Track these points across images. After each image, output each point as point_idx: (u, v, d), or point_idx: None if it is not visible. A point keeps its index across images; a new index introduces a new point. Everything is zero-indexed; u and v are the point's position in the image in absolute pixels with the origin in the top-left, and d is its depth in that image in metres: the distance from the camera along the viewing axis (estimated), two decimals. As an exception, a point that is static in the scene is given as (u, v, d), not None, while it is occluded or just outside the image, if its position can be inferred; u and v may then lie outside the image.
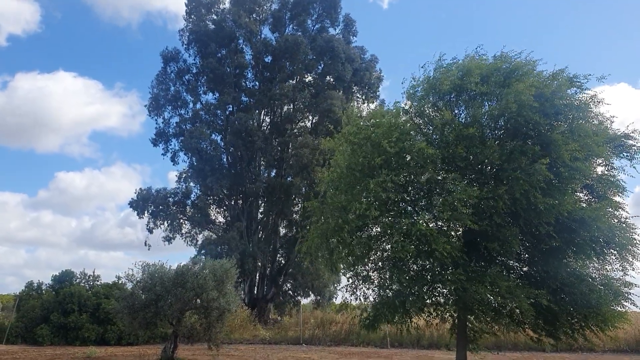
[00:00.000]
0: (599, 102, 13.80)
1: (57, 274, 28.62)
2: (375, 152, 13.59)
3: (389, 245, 14.07)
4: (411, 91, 14.94)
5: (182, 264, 17.56)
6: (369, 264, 15.17)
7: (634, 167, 14.07)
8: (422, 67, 15.06)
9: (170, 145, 40.88)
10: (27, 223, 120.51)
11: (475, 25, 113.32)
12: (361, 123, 15.01)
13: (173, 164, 41.26)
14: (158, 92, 40.68)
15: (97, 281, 28.74)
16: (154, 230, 37.86)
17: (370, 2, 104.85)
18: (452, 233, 13.69)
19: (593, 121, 13.75)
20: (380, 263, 14.90)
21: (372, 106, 40.76)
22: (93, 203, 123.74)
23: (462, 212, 12.19)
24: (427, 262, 13.67)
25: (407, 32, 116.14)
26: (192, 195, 39.63)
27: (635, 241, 13.19)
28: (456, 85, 13.83)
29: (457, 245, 12.67)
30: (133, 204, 37.82)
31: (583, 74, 13.96)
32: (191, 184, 39.52)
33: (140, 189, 38.68)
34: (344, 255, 14.50)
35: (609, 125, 14.13)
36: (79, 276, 28.56)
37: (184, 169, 40.10)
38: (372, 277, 15.16)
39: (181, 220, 38.63)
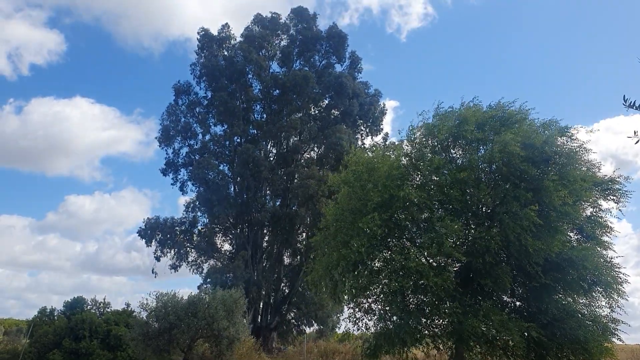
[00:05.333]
0: (587, 150, 14.87)
1: (69, 300, 29.57)
2: (368, 197, 14.72)
3: (387, 280, 15.05)
4: (411, 137, 16.05)
5: (193, 294, 18.49)
6: (371, 297, 16.10)
7: (620, 210, 15.11)
8: (419, 115, 16.18)
9: (179, 175, 42.01)
10: (32, 247, 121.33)
11: (486, 63, 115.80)
12: (359, 168, 16.02)
13: (182, 194, 42.31)
14: (169, 123, 41.96)
15: (108, 308, 29.62)
16: (161, 258, 38.76)
17: (388, 34, 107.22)
18: (449, 269, 14.62)
19: (582, 167, 14.76)
20: (381, 296, 15.80)
21: (377, 139, 42.03)
22: (101, 227, 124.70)
23: (447, 247, 13.22)
24: (425, 296, 14.65)
25: (423, 65, 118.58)
26: (199, 224, 40.58)
27: (620, 279, 14.13)
28: (453, 132, 14.92)
29: (448, 279, 13.54)
30: (141, 232, 38.76)
31: (573, 126, 15.10)
32: (198, 213, 40.48)
33: (149, 218, 39.66)
34: (347, 287, 15.43)
35: (597, 171, 15.20)
36: (90, 303, 29.46)
37: (191, 199, 41.14)
38: (373, 309, 16.12)
39: (188, 249, 39.48)
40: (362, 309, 16.06)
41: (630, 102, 4.27)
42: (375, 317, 15.97)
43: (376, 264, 15.49)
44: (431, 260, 14.44)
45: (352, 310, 16.68)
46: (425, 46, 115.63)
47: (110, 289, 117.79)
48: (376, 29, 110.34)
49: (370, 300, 16.06)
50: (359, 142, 41.65)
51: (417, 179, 15.71)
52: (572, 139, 14.97)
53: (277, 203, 42.30)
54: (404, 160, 16.06)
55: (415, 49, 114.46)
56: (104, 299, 29.90)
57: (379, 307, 15.87)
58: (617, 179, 15.10)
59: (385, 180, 14.82)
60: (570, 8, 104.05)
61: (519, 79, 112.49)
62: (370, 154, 18.46)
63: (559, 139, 14.89)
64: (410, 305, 14.89)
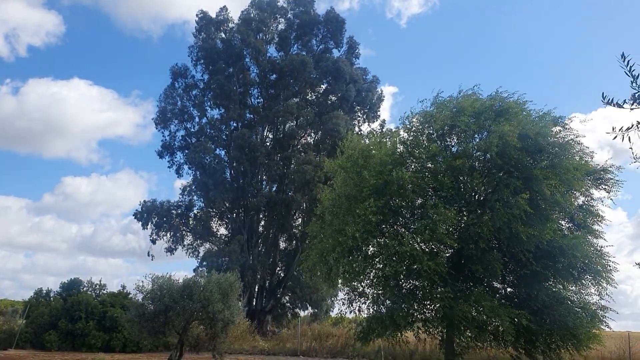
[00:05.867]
0: (580, 141, 15.03)
1: (65, 281, 29.80)
2: (363, 183, 14.88)
3: (381, 265, 15.28)
4: (407, 124, 16.18)
5: (189, 277, 18.66)
6: (365, 281, 16.34)
7: (611, 199, 15.32)
8: (420, 102, 16.32)
9: (175, 157, 42.08)
10: (28, 228, 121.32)
11: (488, 49, 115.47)
12: (355, 153, 16.15)
13: (178, 177, 42.45)
14: (165, 105, 41.96)
15: (104, 290, 29.85)
16: (156, 241, 39.02)
17: (388, 19, 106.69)
18: (440, 254, 14.84)
19: (574, 157, 14.92)
20: (375, 280, 16.04)
21: (374, 125, 42.14)
22: (98, 209, 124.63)
23: (440, 232, 13.44)
24: (418, 281, 14.89)
25: (423, 51, 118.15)
26: (195, 208, 40.83)
27: (609, 268, 14.37)
28: (449, 121, 15.04)
29: (441, 264, 13.75)
30: (137, 215, 38.96)
31: (567, 116, 15.27)
32: (194, 197, 40.69)
33: (145, 200, 39.87)
34: (342, 272, 15.64)
35: (589, 160, 15.36)
36: (86, 284, 29.67)
37: (188, 182, 41.32)
38: (367, 293, 16.38)
39: (184, 232, 39.74)
40: (356, 293, 16.31)
41: (609, 99, 4.39)
42: (369, 301, 16.22)
43: (370, 249, 15.70)
44: (424, 246, 14.64)
45: (346, 295, 16.95)
46: (425, 32, 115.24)
47: (106, 271, 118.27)
48: (376, 14, 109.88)
49: (364, 284, 16.30)
50: (356, 128, 41.76)
51: (412, 166, 15.86)
52: (566, 129, 15.12)
53: (274, 188, 42.49)
54: (400, 147, 16.20)
55: (415, 35, 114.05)
56: (100, 281, 30.15)
57: (373, 291, 16.12)
58: (610, 169, 15.29)
59: (379, 166, 14.98)
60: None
61: (520, 65, 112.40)
62: (366, 140, 18.65)
63: (553, 129, 15.04)
64: (403, 290, 15.14)
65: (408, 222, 15.72)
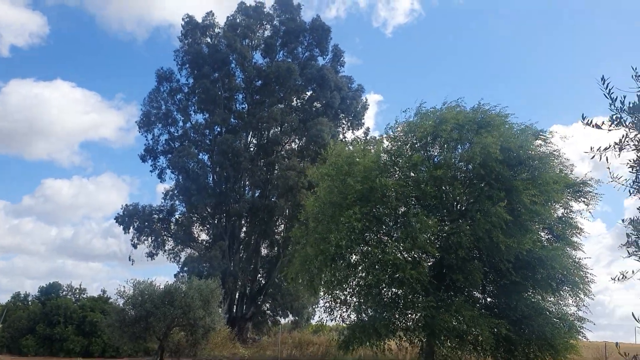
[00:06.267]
0: (560, 155, 15.35)
1: (44, 285, 29.43)
2: (348, 189, 14.98)
3: (364, 273, 15.38)
4: (392, 133, 16.35)
5: (170, 282, 18.62)
6: (348, 289, 16.41)
7: (590, 212, 15.63)
8: (403, 112, 16.50)
9: (158, 162, 41.76)
10: (6, 230, 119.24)
11: (473, 62, 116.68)
12: (340, 160, 16.26)
13: (160, 181, 42.14)
14: (149, 109, 41.71)
15: (84, 294, 29.54)
16: (138, 245, 38.66)
17: (374, 28, 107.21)
18: (422, 263, 14.99)
19: (554, 170, 15.19)
20: (357, 288, 16.11)
21: (358, 133, 42.33)
22: (79, 212, 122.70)
23: (421, 241, 13.59)
24: (400, 290, 15.00)
25: (408, 60, 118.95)
26: (177, 213, 40.56)
27: (587, 280, 14.63)
28: (431, 130, 15.24)
29: (423, 273, 13.89)
30: (119, 219, 38.59)
31: (548, 129, 15.59)
32: (176, 201, 40.43)
33: (127, 204, 39.47)
34: (325, 280, 15.70)
35: (569, 173, 15.67)
36: (65, 288, 29.34)
37: (170, 187, 41.04)
38: (349, 302, 16.44)
39: (165, 237, 39.44)
40: (339, 301, 16.37)
41: (588, 121, 4.54)
42: (351, 309, 16.28)
43: (353, 258, 15.79)
44: (406, 255, 14.77)
45: (328, 303, 17.00)
46: (410, 42, 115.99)
47: (85, 275, 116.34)
48: (362, 22, 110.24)
49: (346, 293, 16.36)
50: (341, 136, 41.86)
51: (396, 174, 16.01)
52: (547, 143, 15.41)
53: (257, 194, 42.39)
54: (384, 156, 16.35)
55: (401, 44, 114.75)
56: (80, 285, 29.88)
57: (355, 299, 16.19)
58: (589, 182, 15.58)
59: (364, 172, 15.10)
60: (557, 7, 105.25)
61: (503, 76, 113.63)
62: (351, 147, 18.78)
63: (534, 142, 15.32)
64: (385, 299, 15.23)
65: (391, 230, 15.86)
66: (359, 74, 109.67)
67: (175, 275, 37.03)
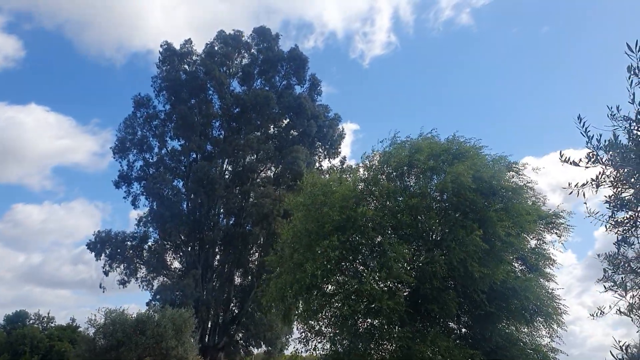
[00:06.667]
0: (532, 187, 15.68)
1: (10, 313, 28.61)
2: (325, 218, 15.00)
3: (340, 304, 15.31)
4: (367, 163, 16.53)
5: (142, 311, 18.29)
6: (322, 320, 16.29)
7: (562, 244, 15.91)
8: (380, 142, 16.72)
9: (132, 188, 41.36)
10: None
11: (447, 92, 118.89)
12: (316, 190, 16.32)
13: (134, 208, 41.61)
14: (125, 135, 41.46)
15: (51, 323, 28.78)
16: (109, 272, 37.96)
17: (352, 59, 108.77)
18: (398, 293, 14.99)
19: (527, 201, 15.47)
20: (333, 319, 16.02)
21: (334, 161, 42.63)
22: (48, 238, 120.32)
23: (396, 270, 13.63)
24: (376, 320, 14.95)
25: (384, 91, 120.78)
26: (150, 240, 40.03)
27: (560, 311, 14.80)
28: (406, 160, 15.45)
29: (400, 303, 13.89)
30: (90, 246, 37.93)
31: (520, 161, 15.94)
32: (150, 228, 39.92)
33: (99, 231, 38.89)
34: (301, 310, 15.60)
35: (541, 205, 15.97)
36: (32, 317, 28.56)
37: (144, 213, 40.55)
38: (324, 332, 16.31)
39: (137, 264, 38.82)
40: (313, 332, 16.21)
41: (566, 158, 4.69)
42: (326, 339, 16.14)
43: (329, 288, 15.73)
44: (382, 285, 14.78)
45: (302, 333, 16.82)
46: (386, 73, 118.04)
47: (53, 303, 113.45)
48: (340, 53, 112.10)
49: (321, 323, 16.24)
50: (317, 164, 42.12)
51: (372, 203, 16.11)
52: (519, 175, 15.73)
53: (231, 222, 42.14)
54: (360, 185, 16.46)
55: (377, 75, 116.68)
56: (48, 314, 29.13)
57: (330, 330, 16.07)
58: (561, 214, 15.86)
59: (342, 202, 15.15)
60: (532, 43, 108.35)
61: (476, 109, 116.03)
62: (327, 176, 18.87)
63: (507, 174, 15.62)
64: (361, 329, 15.14)
65: (367, 259, 15.86)
66: (335, 103, 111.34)
67: (147, 304, 36.31)
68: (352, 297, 14.53)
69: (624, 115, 4.49)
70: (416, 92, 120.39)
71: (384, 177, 16.41)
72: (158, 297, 35.83)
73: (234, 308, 41.35)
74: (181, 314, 17.70)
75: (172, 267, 40.86)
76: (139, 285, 38.92)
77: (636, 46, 4.25)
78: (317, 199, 15.99)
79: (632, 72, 4.35)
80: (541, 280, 15.38)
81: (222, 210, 42.12)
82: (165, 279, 39.38)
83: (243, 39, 44.67)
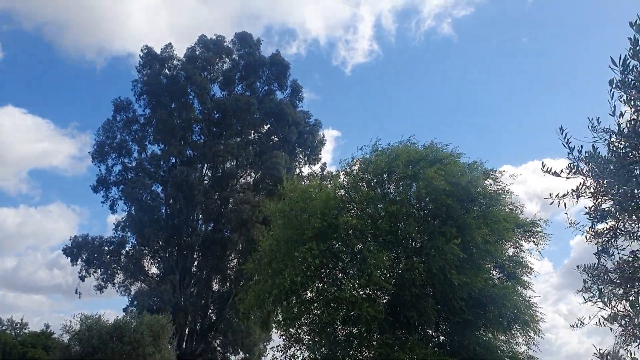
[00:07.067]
0: (510, 193, 15.86)
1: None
2: (305, 225, 14.99)
3: (319, 311, 15.30)
4: (348, 169, 16.59)
5: (119, 317, 18.05)
6: (302, 327, 16.25)
7: (539, 252, 16.11)
8: (360, 149, 16.77)
9: (110, 192, 40.86)
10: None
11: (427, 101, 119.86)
12: (296, 196, 16.31)
13: (112, 212, 41.14)
14: (104, 139, 40.99)
15: (25, 329, 28.28)
16: (86, 278, 37.43)
17: (334, 66, 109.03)
18: (377, 300, 15.03)
19: (505, 209, 15.65)
20: (312, 326, 15.98)
21: (315, 168, 42.68)
22: (24, 242, 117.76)
23: (376, 277, 13.68)
24: (355, 328, 14.96)
25: (365, 98, 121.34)
26: (128, 245, 39.57)
27: (537, 318, 14.97)
28: (386, 167, 15.54)
29: (379, 311, 13.93)
30: (67, 250, 37.36)
31: (498, 169, 16.12)
32: (128, 233, 39.46)
33: (76, 235, 38.35)
34: (280, 317, 15.55)
35: (519, 213, 16.17)
36: (5, 323, 28.03)
37: (122, 218, 40.08)
38: (303, 339, 16.26)
39: (115, 270, 38.33)
40: (292, 339, 16.16)
41: (548, 169, 4.78)
42: (304, 347, 16.09)
43: (308, 294, 15.71)
44: (362, 292, 14.80)
45: (281, 339, 16.76)
46: (368, 81, 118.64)
47: (27, 308, 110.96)
48: (322, 60, 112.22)
49: (300, 330, 16.20)
50: (297, 170, 42.09)
51: (353, 210, 16.15)
52: (497, 182, 15.91)
53: (210, 227, 41.88)
54: (341, 192, 16.50)
55: (359, 83, 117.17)
56: (22, 320, 28.58)
57: (309, 337, 16.03)
58: (538, 222, 16.07)
59: (323, 209, 15.14)
60: (508, 51, 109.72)
61: (456, 118, 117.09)
62: (307, 182, 18.87)
63: (485, 180, 15.78)
64: (339, 337, 15.13)
65: (347, 266, 15.89)
66: (317, 110, 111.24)
67: (124, 310, 35.89)
68: (332, 304, 14.54)
69: (605, 128, 4.59)
70: (397, 99, 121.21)
71: (364, 184, 16.47)
72: (135, 303, 35.39)
73: (211, 314, 41.04)
74: (159, 320, 17.51)
75: (150, 272, 40.44)
76: (117, 291, 38.47)
77: (620, 60, 4.34)
78: (296, 205, 15.98)
79: (613, 86, 4.45)
80: (518, 288, 15.53)
81: (201, 215, 41.82)
82: (142, 284, 38.94)
83: (225, 44, 44.53)
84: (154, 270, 40.87)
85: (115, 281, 38.24)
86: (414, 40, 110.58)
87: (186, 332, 38.67)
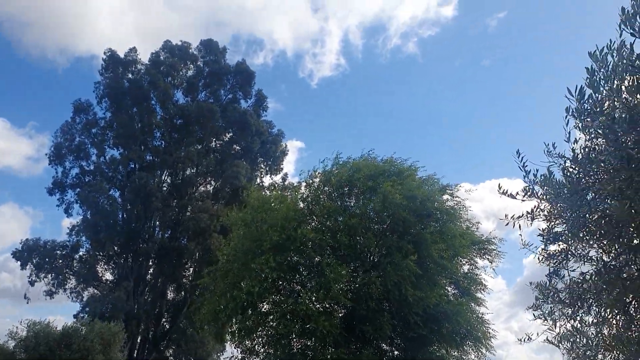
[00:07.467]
0: (467, 209, 16.22)
1: None
2: (264, 237, 14.97)
3: (275, 323, 15.24)
4: (309, 180, 16.67)
5: (68, 324, 17.56)
6: (257, 339, 16.14)
7: (493, 269, 16.47)
8: (321, 162, 16.89)
9: (66, 196, 39.84)
10: None
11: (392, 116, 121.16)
12: (256, 204, 16.30)
13: (67, 216, 40.04)
14: (62, 141, 40.00)
15: (-33, 334, 27.12)
16: (35, 282, 36.29)
17: (300, 78, 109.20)
18: (334, 314, 15.07)
19: (461, 225, 15.97)
20: (267, 338, 15.89)
21: (276, 178, 42.61)
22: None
23: (335, 291, 13.73)
24: (310, 341, 14.94)
25: (330, 111, 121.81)
26: (82, 250, 38.57)
27: (489, 335, 15.26)
28: (346, 180, 15.68)
29: (335, 325, 13.96)
30: (16, 254, 36.15)
31: (454, 184, 16.48)
32: (82, 237, 38.47)
33: (27, 238, 37.17)
34: (235, 329, 15.41)
35: (475, 229, 16.52)
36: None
37: (77, 222, 39.08)
38: (257, 351, 16.16)
39: (67, 275, 37.30)
40: (247, 351, 16.04)
41: (504, 190, 4.94)
42: (259, 358, 16.01)
43: (265, 307, 15.64)
44: (318, 306, 14.81)
45: (236, 349, 16.62)
46: (334, 94, 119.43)
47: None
48: (289, 71, 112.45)
49: (255, 342, 16.09)
50: (258, 180, 41.95)
51: (313, 223, 16.19)
52: (454, 197, 16.24)
53: (167, 235, 41.25)
54: (301, 204, 16.54)
55: (324, 96, 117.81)
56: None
57: (264, 349, 15.94)
58: (493, 240, 16.47)
59: (283, 221, 15.14)
60: (469, 73, 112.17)
61: (418, 134, 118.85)
62: (268, 192, 18.83)
63: (442, 196, 16.09)
64: (295, 349, 15.09)
65: (305, 279, 15.91)
66: (282, 121, 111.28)
67: (75, 316, 34.88)
68: (288, 316, 14.48)
69: (560, 153, 4.79)
70: (362, 114, 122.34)
71: (324, 196, 16.54)
72: (87, 309, 34.49)
73: (165, 323, 40.34)
74: (110, 328, 17.09)
75: (104, 278, 39.51)
76: (68, 296, 37.42)
77: (575, 91, 4.53)
78: (257, 215, 15.95)
79: (569, 113, 4.64)
80: (472, 304, 15.82)
81: (158, 222, 41.19)
82: (95, 290, 38.03)
83: (190, 50, 44.17)
84: (107, 276, 39.96)
85: (67, 286, 37.22)
86: (380, 57, 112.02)
87: (138, 341, 37.84)
